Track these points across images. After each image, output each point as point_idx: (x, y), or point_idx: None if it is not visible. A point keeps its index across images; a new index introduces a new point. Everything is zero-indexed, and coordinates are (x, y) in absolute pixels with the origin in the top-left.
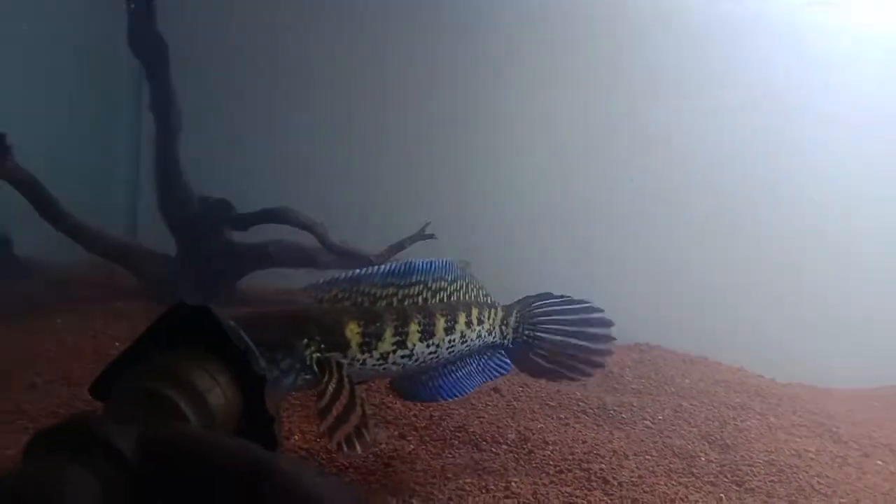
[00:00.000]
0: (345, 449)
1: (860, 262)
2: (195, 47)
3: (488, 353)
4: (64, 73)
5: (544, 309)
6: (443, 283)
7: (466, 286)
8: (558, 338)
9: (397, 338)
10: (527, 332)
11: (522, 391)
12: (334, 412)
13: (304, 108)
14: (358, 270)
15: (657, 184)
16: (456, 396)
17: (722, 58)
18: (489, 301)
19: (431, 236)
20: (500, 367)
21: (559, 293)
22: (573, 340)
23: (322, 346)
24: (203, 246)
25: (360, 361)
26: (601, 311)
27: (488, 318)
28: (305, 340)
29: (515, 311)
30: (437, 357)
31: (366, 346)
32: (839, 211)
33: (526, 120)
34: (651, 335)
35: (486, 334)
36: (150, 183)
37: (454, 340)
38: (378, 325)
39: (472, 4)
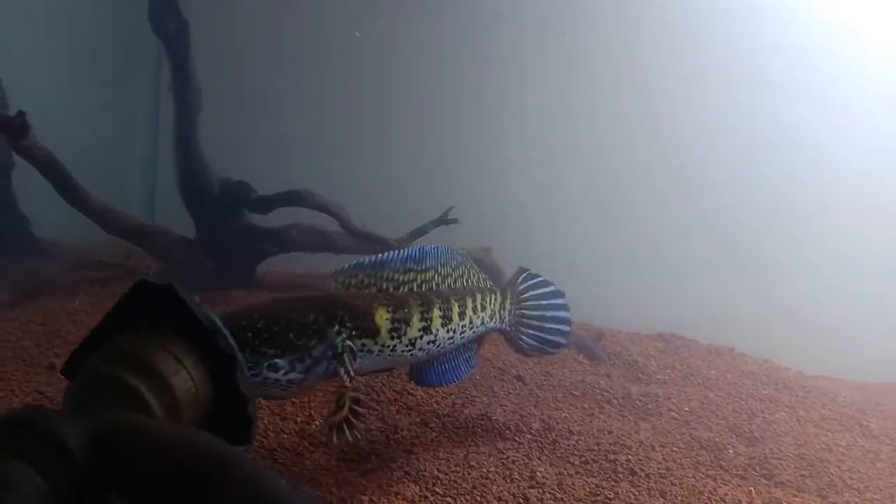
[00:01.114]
0: (335, 439)
1: (891, 254)
2: (217, 27)
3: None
4: (83, 51)
5: (523, 287)
6: (450, 269)
7: (469, 272)
8: (537, 313)
9: (423, 323)
10: (517, 313)
11: (545, 380)
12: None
13: (323, 91)
14: (379, 255)
15: (683, 176)
16: (455, 382)
17: (724, 46)
18: (490, 286)
19: (454, 221)
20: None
21: (529, 269)
22: (549, 313)
23: (353, 332)
24: (223, 228)
25: (390, 348)
26: (562, 294)
27: (490, 304)
28: (337, 327)
29: (509, 294)
30: (453, 342)
31: (395, 332)
32: (868, 205)
33: (541, 109)
34: (674, 325)
35: (489, 319)
36: (169, 164)
37: (465, 326)
38: (406, 310)
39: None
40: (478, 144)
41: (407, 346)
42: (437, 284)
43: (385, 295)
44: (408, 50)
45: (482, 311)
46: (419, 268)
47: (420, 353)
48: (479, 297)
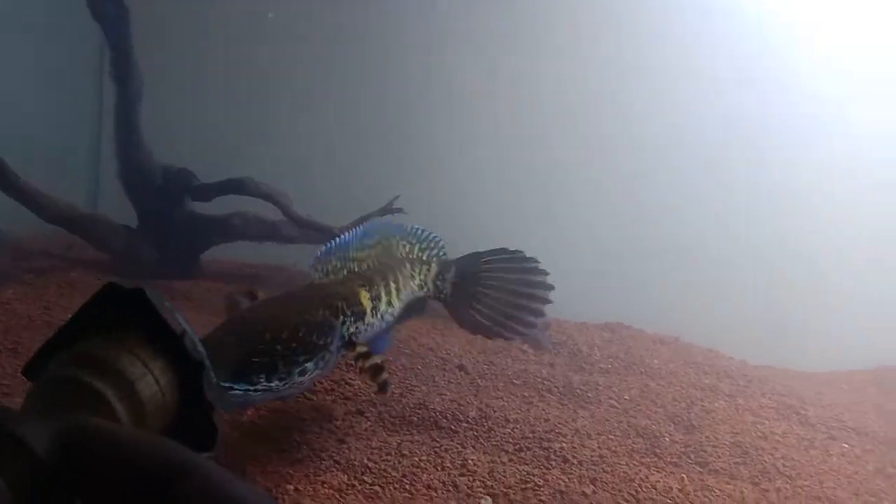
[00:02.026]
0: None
1: (836, 246)
2: (157, 10)
3: None
4: (24, 36)
5: (491, 265)
6: (392, 242)
7: (397, 244)
8: (500, 294)
9: (387, 297)
10: (469, 287)
11: (488, 369)
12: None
13: (269, 77)
14: (340, 237)
15: (633, 164)
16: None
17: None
18: (423, 257)
19: (399, 210)
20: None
21: (514, 249)
22: (513, 299)
23: (352, 318)
24: (165, 217)
25: (372, 326)
26: (546, 273)
27: (419, 274)
28: (341, 317)
29: (454, 266)
30: (395, 313)
31: (374, 310)
32: (813, 195)
33: (489, 98)
34: (625, 315)
35: (417, 289)
36: (113, 152)
37: (405, 295)
38: (376, 288)
39: None
40: (427, 133)
41: (379, 321)
42: (382, 258)
43: (356, 275)
44: (352, 36)
45: (412, 281)
46: (371, 243)
47: (384, 326)
48: (407, 266)
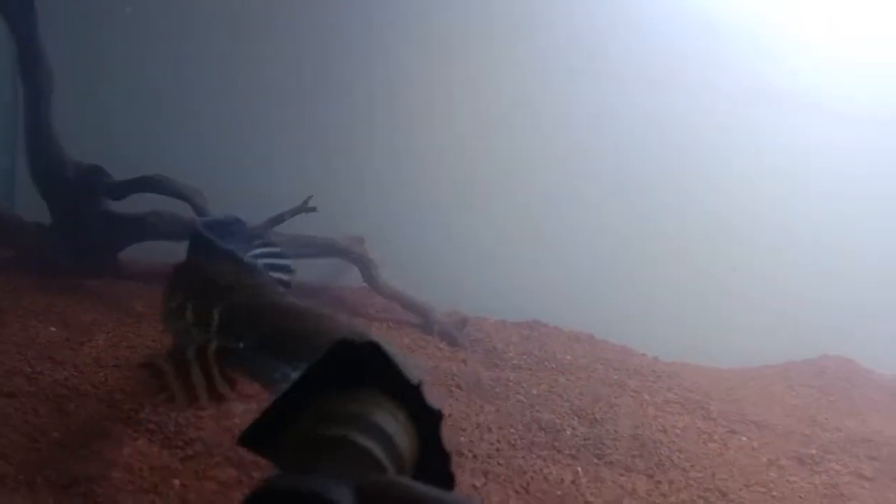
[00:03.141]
0: None
1: (751, 244)
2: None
3: None
4: None
5: None
6: None
7: None
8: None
9: None
10: None
11: None
12: None
13: (187, 66)
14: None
15: (552, 162)
16: None
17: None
18: None
19: (313, 209)
20: None
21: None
22: None
23: None
24: (78, 214)
25: None
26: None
27: None
28: None
29: None
30: None
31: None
32: (727, 189)
33: (398, 100)
34: (544, 313)
35: None
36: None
37: None
38: None
39: None
40: (346, 135)
41: None
42: None
43: None
44: (279, 34)
45: None
46: None
47: None
48: None
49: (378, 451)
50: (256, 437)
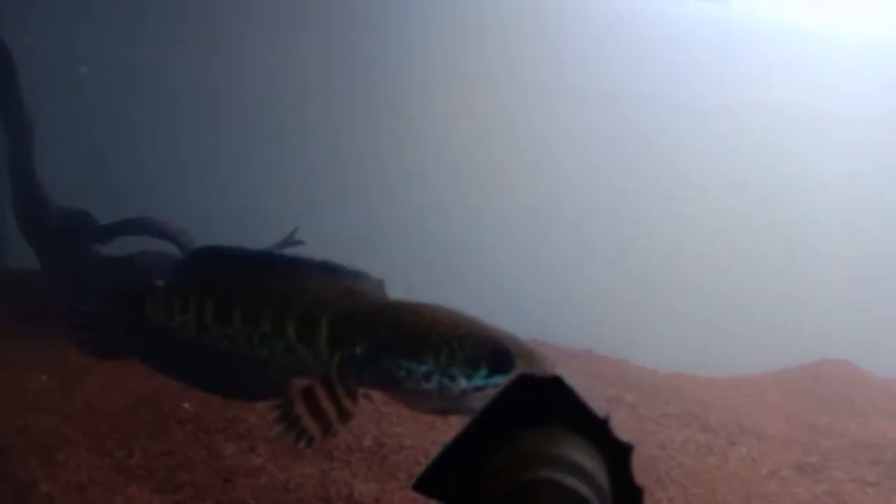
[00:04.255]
0: None
1: (746, 252)
2: (47, 51)
3: None
4: None
5: None
6: None
7: None
8: None
9: None
10: None
11: None
12: None
13: (173, 109)
14: None
15: (539, 176)
16: None
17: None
18: None
19: (301, 242)
20: None
21: None
22: None
23: None
24: (67, 260)
25: None
26: None
27: None
28: None
29: None
30: None
31: None
32: (719, 201)
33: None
34: (543, 332)
35: None
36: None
37: None
38: None
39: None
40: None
41: None
42: None
43: None
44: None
45: None
46: None
47: None
48: None
49: (585, 490)
50: (432, 482)
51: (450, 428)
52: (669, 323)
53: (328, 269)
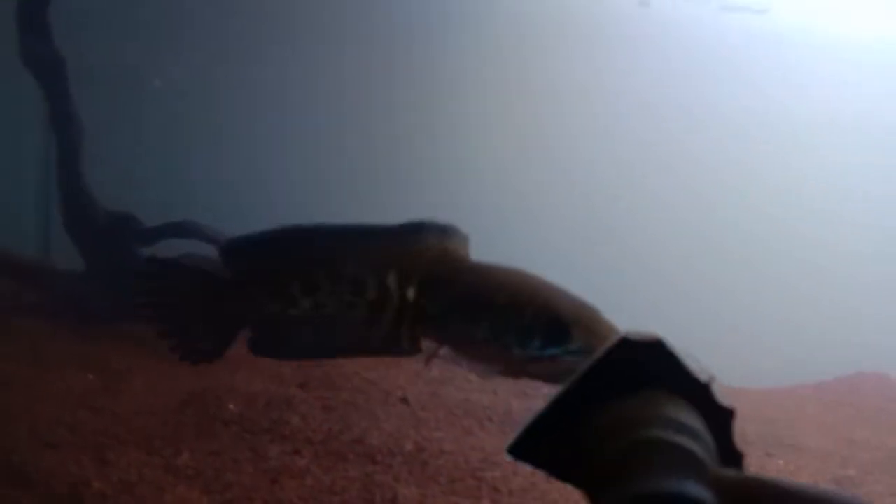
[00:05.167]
0: None
1: (787, 264)
2: (95, 59)
3: None
4: None
5: None
6: None
7: None
8: None
9: None
10: None
11: (430, 400)
12: None
13: (210, 118)
14: None
15: (583, 179)
16: None
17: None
18: None
19: None
20: None
21: None
22: None
23: None
24: (112, 261)
25: None
26: None
27: None
28: None
29: None
30: None
31: None
32: (760, 210)
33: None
34: None
35: None
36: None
37: None
38: None
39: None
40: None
41: None
42: None
43: None
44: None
45: None
46: None
47: None
48: None
49: (698, 450)
50: (526, 447)
51: (487, 434)
52: (706, 334)
53: (417, 228)
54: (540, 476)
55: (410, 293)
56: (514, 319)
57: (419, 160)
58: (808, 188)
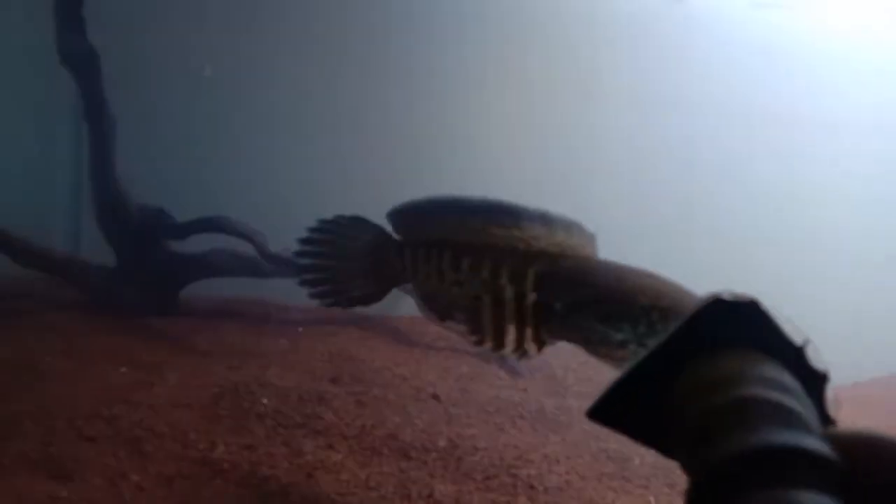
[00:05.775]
0: None
1: (817, 261)
2: (128, 54)
3: None
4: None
5: None
6: None
7: None
8: None
9: None
10: None
11: (461, 397)
12: None
13: (237, 114)
14: None
15: (612, 173)
16: None
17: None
18: None
19: None
20: None
21: None
22: None
23: None
24: (143, 256)
25: None
26: None
27: None
28: None
29: None
30: None
31: None
32: (794, 212)
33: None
34: None
35: None
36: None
37: None
38: None
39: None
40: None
41: None
42: None
43: None
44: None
45: None
46: None
47: None
48: None
49: (798, 408)
50: (607, 410)
51: (519, 432)
52: None
53: (545, 220)
54: (577, 473)
55: (530, 290)
56: (658, 323)
57: (454, 154)
58: (853, 187)
